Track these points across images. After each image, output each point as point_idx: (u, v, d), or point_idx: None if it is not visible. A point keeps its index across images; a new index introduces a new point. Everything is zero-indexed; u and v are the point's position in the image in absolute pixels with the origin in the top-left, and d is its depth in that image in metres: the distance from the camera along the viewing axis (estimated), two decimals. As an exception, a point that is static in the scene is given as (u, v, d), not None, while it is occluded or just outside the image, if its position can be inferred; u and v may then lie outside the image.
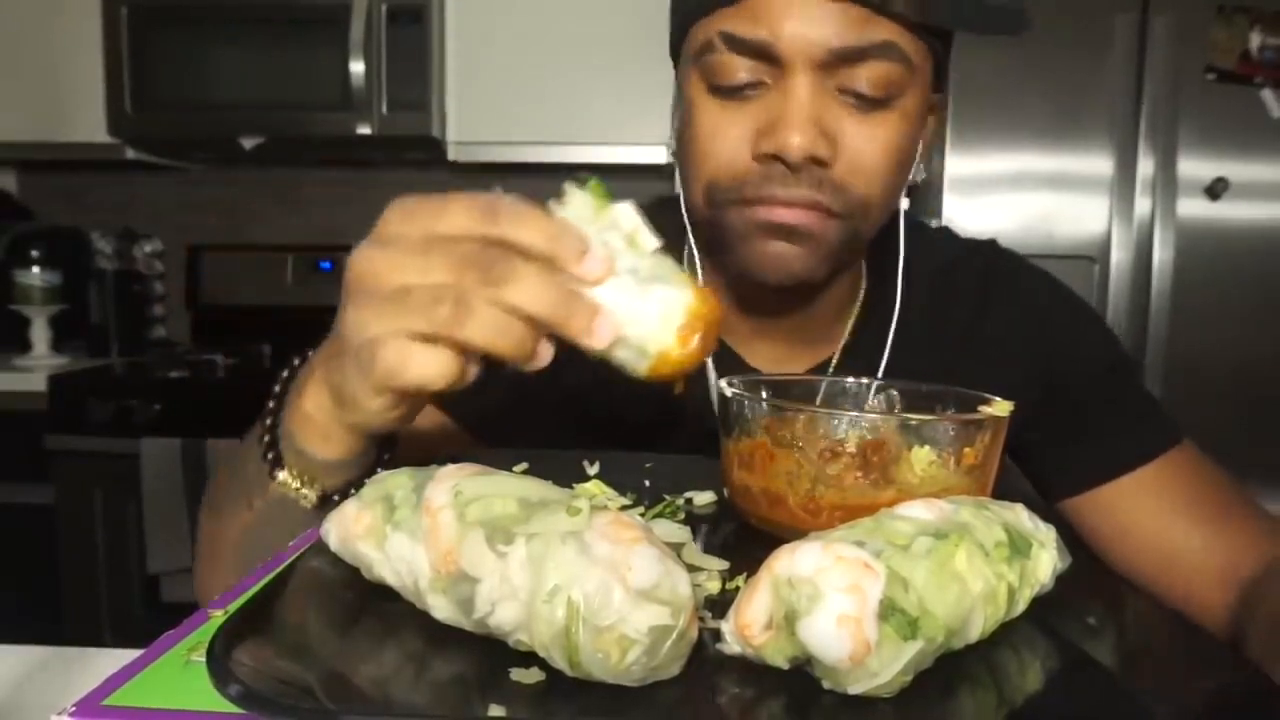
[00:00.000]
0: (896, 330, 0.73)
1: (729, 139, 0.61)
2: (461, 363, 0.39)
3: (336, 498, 0.51)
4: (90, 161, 2.22)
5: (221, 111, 2.05)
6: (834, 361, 0.74)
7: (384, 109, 2.00)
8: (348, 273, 0.40)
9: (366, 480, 0.44)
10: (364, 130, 2.01)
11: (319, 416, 0.48)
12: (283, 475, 0.51)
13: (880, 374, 0.72)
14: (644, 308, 0.39)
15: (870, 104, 0.59)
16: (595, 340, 0.39)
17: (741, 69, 0.59)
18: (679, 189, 0.70)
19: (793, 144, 0.57)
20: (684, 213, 0.71)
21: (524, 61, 2.04)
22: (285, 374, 0.54)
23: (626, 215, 0.41)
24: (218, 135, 2.08)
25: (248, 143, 2.09)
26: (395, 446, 0.53)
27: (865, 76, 0.58)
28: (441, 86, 2.05)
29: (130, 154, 2.15)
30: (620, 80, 2.03)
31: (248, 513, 0.53)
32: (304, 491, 0.51)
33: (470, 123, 2.06)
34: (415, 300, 0.37)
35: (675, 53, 0.67)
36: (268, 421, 0.52)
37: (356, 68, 1.96)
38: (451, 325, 0.37)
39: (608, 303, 0.39)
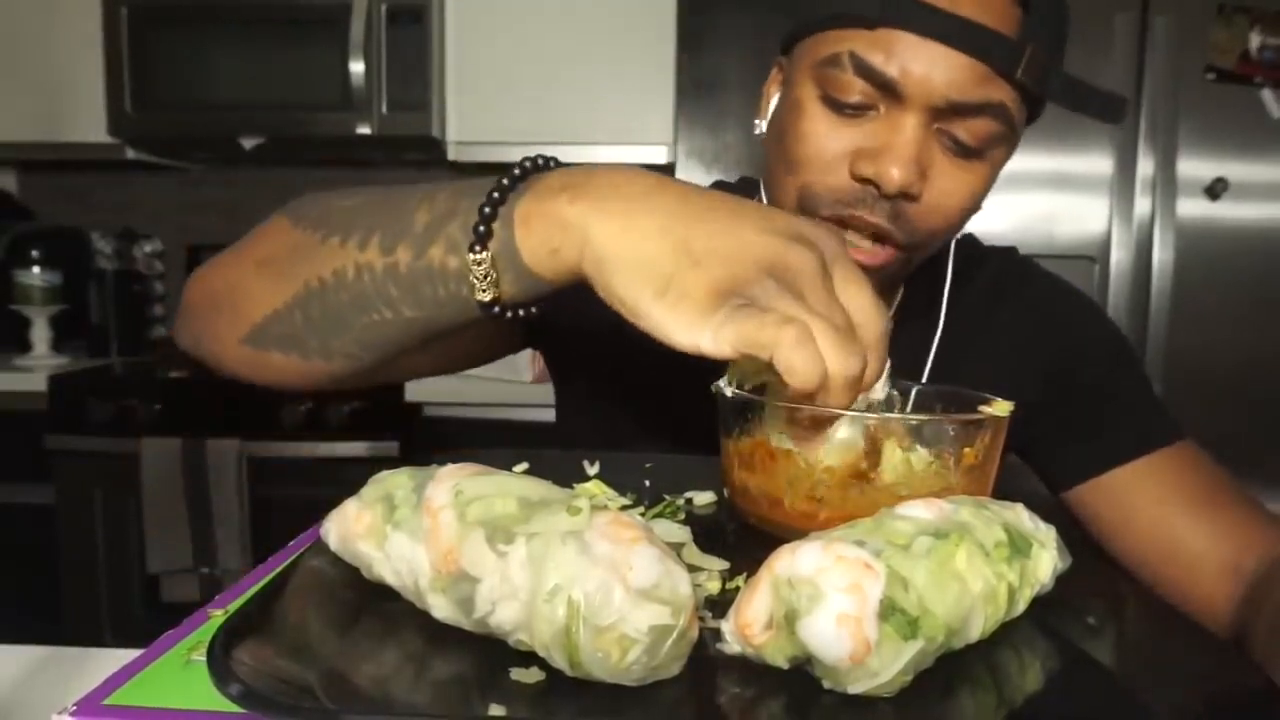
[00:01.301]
0: (916, 335, 0.75)
1: (831, 152, 0.63)
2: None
3: (496, 310, 0.46)
4: (90, 161, 2.22)
5: (221, 111, 2.05)
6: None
7: (384, 109, 2.00)
8: (783, 256, 0.41)
9: (512, 312, 0.47)
10: (364, 130, 2.01)
11: (569, 234, 0.43)
12: (480, 256, 0.45)
13: (924, 378, 0.74)
14: (842, 431, 0.47)
15: (965, 152, 0.62)
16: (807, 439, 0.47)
17: (859, 91, 0.61)
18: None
19: (893, 176, 0.60)
20: (763, 197, 0.73)
21: (524, 61, 2.04)
22: (528, 166, 0.47)
23: (882, 384, 0.50)
24: (218, 135, 2.08)
25: (248, 143, 2.09)
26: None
27: (970, 129, 0.61)
28: (441, 86, 2.05)
29: (130, 154, 2.15)
30: (620, 80, 2.03)
31: (379, 257, 0.48)
32: (486, 284, 0.45)
33: (470, 123, 2.07)
34: (836, 333, 0.40)
35: (788, 44, 0.69)
36: (495, 194, 0.45)
37: (356, 68, 1.96)
38: (845, 377, 0.40)
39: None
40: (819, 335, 0.39)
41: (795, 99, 0.65)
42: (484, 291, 0.45)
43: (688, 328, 0.40)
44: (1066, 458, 0.77)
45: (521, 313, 0.48)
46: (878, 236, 0.63)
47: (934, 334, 0.76)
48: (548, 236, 0.43)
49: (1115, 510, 0.74)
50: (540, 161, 0.47)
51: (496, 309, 0.46)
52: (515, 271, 0.45)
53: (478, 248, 0.45)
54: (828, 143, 0.63)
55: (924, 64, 0.59)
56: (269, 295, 0.53)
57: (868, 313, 0.43)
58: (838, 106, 0.62)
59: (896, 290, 0.77)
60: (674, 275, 0.40)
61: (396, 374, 0.65)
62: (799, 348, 0.38)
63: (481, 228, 0.45)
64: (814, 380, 0.39)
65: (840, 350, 0.39)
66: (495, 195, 0.45)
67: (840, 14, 0.61)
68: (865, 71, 0.60)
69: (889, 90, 0.60)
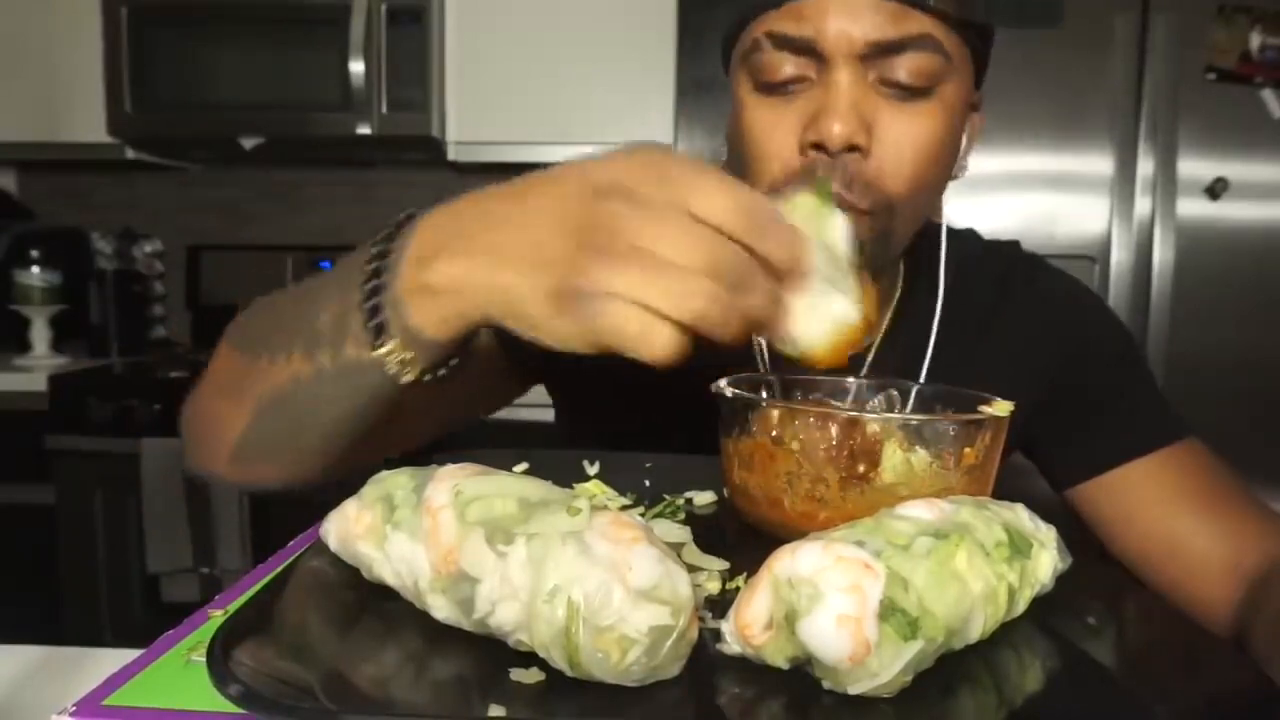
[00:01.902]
0: (916, 329, 0.75)
1: (777, 135, 0.63)
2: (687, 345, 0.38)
3: (428, 379, 0.46)
4: (90, 161, 2.22)
5: (221, 111, 2.04)
6: (869, 360, 0.75)
7: (384, 109, 2.00)
8: (592, 217, 0.38)
9: (445, 368, 0.46)
10: (364, 130, 2.01)
11: (449, 299, 0.42)
12: (390, 346, 0.44)
13: (924, 376, 0.73)
14: (814, 314, 0.42)
15: (909, 93, 0.62)
16: (772, 338, 0.42)
17: (787, 66, 0.62)
18: None
19: (834, 131, 0.60)
20: None
21: (524, 61, 2.04)
22: (391, 229, 0.46)
23: (840, 230, 0.45)
24: (218, 135, 2.08)
25: (248, 143, 2.09)
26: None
27: (904, 67, 0.61)
28: (441, 86, 2.05)
29: (130, 154, 2.15)
30: (620, 80, 2.03)
31: (305, 364, 0.49)
32: (407, 368, 0.45)
33: (470, 123, 2.07)
34: (669, 282, 0.36)
35: (726, 59, 0.70)
36: (368, 285, 0.45)
37: (356, 68, 1.96)
38: (700, 320, 0.36)
39: (789, 301, 0.41)
40: (657, 297, 0.36)
41: (736, 101, 0.66)
42: (407, 373, 0.45)
43: (563, 345, 0.39)
44: (1070, 455, 0.77)
45: (453, 363, 0.47)
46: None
47: (931, 322, 0.75)
48: (440, 308, 0.43)
49: (1117, 509, 0.74)
50: (397, 225, 0.46)
51: (428, 378, 0.46)
52: (424, 345, 0.45)
53: (381, 341, 0.44)
54: (774, 128, 0.63)
55: (834, 18, 0.60)
56: (235, 419, 0.54)
57: (727, 208, 0.38)
58: (772, 89, 0.63)
59: (894, 283, 0.76)
60: (526, 302, 0.39)
61: (391, 448, 0.65)
62: (642, 337, 0.36)
63: (374, 322, 0.44)
64: (671, 354, 0.37)
65: (688, 299, 0.36)
66: (371, 286, 0.44)
67: (749, 4, 0.63)
68: (784, 43, 0.61)
69: (811, 54, 0.61)
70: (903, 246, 0.69)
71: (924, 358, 0.75)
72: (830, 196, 0.47)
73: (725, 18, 0.68)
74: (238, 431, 0.55)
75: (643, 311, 0.36)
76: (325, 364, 0.48)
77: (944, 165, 0.66)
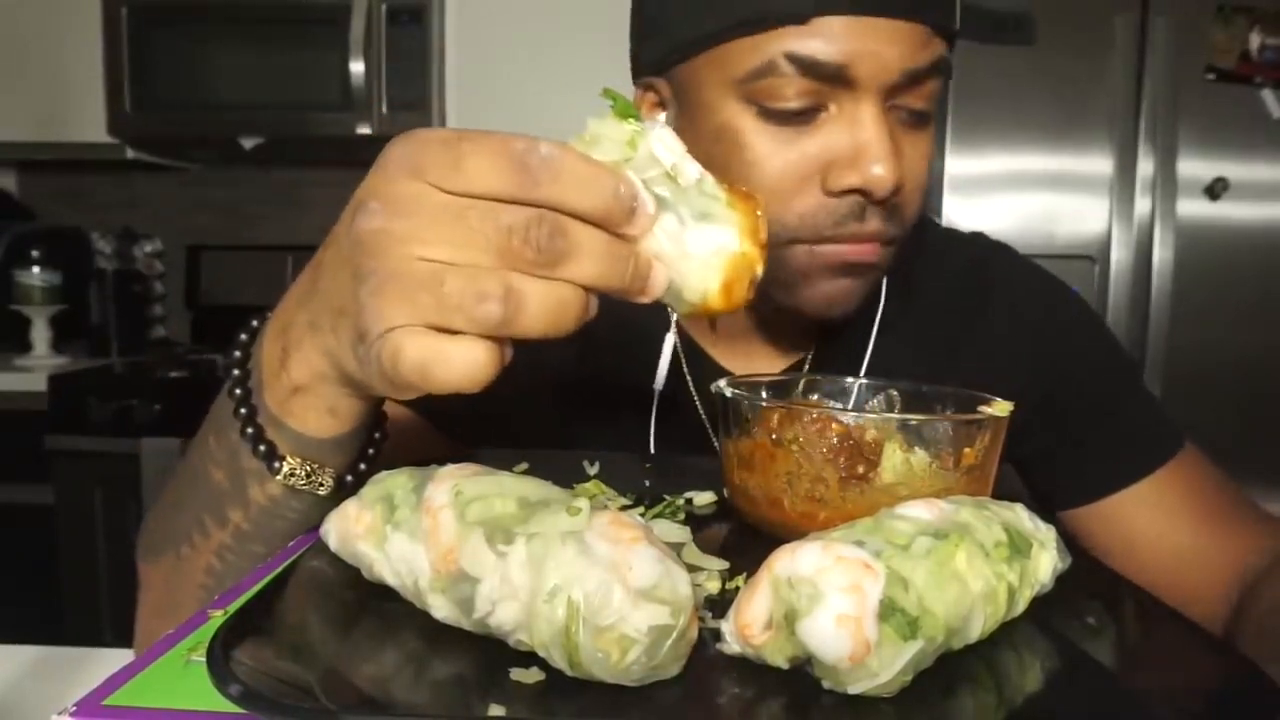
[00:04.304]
0: (879, 330, 0.71)
1: (795, 173, 0.57)
2: (500, 355, 0.33)
3: (350, 479, 0.45)
4: (90, 161, 2.22)
5: (221, 111, 2.05)
6: (808, 362, 0.72)
7: (384, 109, 2.00)
8: (353, 242, 0.34)
9: (365, 461, 0.44)
10: (364, 130, 2.01)
11: (320, 388, 0.40)
12: (289, 465, 0.43)
13: (863, 374, 0.69)
14: (688, 253, 0.36)
15: (919, 119, 0.58)
16: (649, 298, 0.35)
17: (803, 93, 0.55)
18: None
19: (883, 180, 0.54)
20: None
21: (524, 61, 2.04)
22: (238, 353, 0.44)
23: (666, 146, 0.35)
24: (218, 135, 2.08)
25: (248, 143, 2.09)
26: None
27: (924, 94, 0.57)
28: (441, 86, 2.05)
29: (130, 154, 2.16)
30: (620, 80, 2.03)
31: (220, 532, 0.46)
32: (317, 479, 0.44)
33: (470, 123, 2.06)
34: (454, 289, 0.31)
35: (666, 62, 0.62)
36: (241, 410, 0.43)
37: (356, 68, 1.96)
38: (502, 324, 0.31)
39: (653, 249, 0.35)
40: (438, 312, 0.31)
41: (721, 126, 0.58)
42: (321, 485, 0.44)
43: (396, 395, 0.36)
44: (1063, 480, 0.73)
45: (378, 434, 0.46)
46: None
47: (870, 325, 0.70)
48: (313, 403, 0.41)
49: (1116, 532, 0.71)
50: (243, 342, 0.44)
51: (350, 477, 0.45)
52: (322, 447, 0.43)
53: (278, 465, 0.43)
54: (787, 165, 0.56)
55: (870, 41, 0.53)
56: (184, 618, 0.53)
57: (488, 167, 0.32)
58: (782, 118, 0.56)
59: (877, 300, 0.72)
60: (347, 362, 0.37)
61: None
62: (434, 366, 0.32)
63: (262, 448, 0.43)
64: (479, 372, 0.32)
65: (478, 302, 0.31)
66: (244, 414, 0.43)
67: (765, 14, 0.54)
68: (810, 68, 0.54)
69: (839, 81, 0.54)
70: None
71: (859, 368, 0.70)
72: (632, 110, 0.37)
73: (698, 23, 0.57)
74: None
75: (427, 336, 0.32)
76: (241, 522, 0.45)
77: None
